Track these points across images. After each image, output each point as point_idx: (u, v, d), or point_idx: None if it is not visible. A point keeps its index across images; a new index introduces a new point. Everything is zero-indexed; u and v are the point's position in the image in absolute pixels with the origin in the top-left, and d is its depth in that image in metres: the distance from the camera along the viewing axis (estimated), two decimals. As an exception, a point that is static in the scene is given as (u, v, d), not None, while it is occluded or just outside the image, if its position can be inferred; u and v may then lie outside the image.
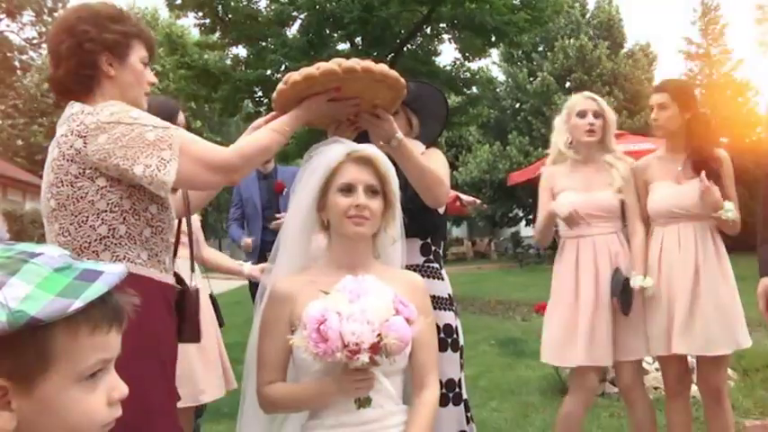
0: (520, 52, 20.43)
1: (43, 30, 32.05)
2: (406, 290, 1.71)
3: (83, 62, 1.63)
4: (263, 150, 1.72)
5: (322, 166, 1.74)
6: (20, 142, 25.73)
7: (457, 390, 2.23)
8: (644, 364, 4.14)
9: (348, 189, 1.70)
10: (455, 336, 2.26)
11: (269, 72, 11.87)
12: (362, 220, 1.69)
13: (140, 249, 1.61)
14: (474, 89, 12.34)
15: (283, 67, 11.63)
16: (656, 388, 4.08)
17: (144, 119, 1.57)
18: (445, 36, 12.21)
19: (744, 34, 47.32)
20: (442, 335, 2.20)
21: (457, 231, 26.82)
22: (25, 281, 0.74)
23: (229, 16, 11.58)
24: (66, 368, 0.77)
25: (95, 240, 1.56)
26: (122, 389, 0.85)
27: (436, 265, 2.28)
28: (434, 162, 2.23)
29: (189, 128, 2.31)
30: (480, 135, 23.04)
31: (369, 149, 1.77)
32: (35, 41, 31.81)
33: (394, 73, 1.78)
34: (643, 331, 2.78)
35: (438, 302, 2.20)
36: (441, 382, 2.14)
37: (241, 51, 12.64)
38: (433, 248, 2.28)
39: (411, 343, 1.64)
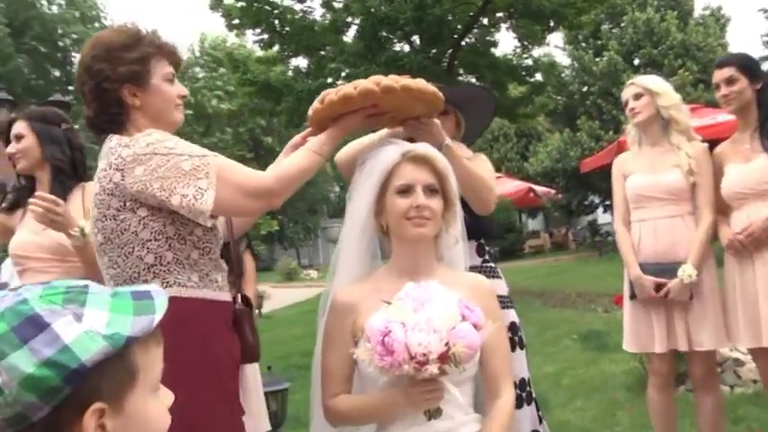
0: (585, 33, 19.74)
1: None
2: (472, 293, 1.66)
3: (107, 102, 1.63)
4: (302, 172, 1.67)
5: (377, 168, 1.70)
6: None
7: (528, 389, 2.24)
8: (740, 356, 3.91)
9: (406, 190, 1.65)
10: (520, 333, 2.28)
11: (330, 80, 12.05)
12: (423, 220, 1.65)
13: (190, 272, 1.60)
14: (537, 77, 12.04)
15: (344, 74, 11.80)
16: (754, 381, 3.82)
17: (179, 148, 1.56)
18: (503, 26, 12.00)
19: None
20: (509, 334, 2.20)
21: (533, 224, 26.24)
22: (97, 308, 0.79)
23: (287, 29, 11.80)
24: (146, 380, 0.83)
25: (144, 270, 1.57)
26: (171, 395, 0.93)
27: (493, 265, 2.31)
28: (481, 168, 2.24)
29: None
30: (549, 123, 22.47)
31: (424, 148, 1.73)
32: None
33: (432, 89, 1.75)
34: (716, 322, 2.68)
35: (501, 301, 2.20)
36: (514, 383, 2.13)
37: (302, 63, 12.90)
38: (488, 248, 2.32)
39: (480, 349, 1.60)
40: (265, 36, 12.24)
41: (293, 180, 1.66)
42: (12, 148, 2.40)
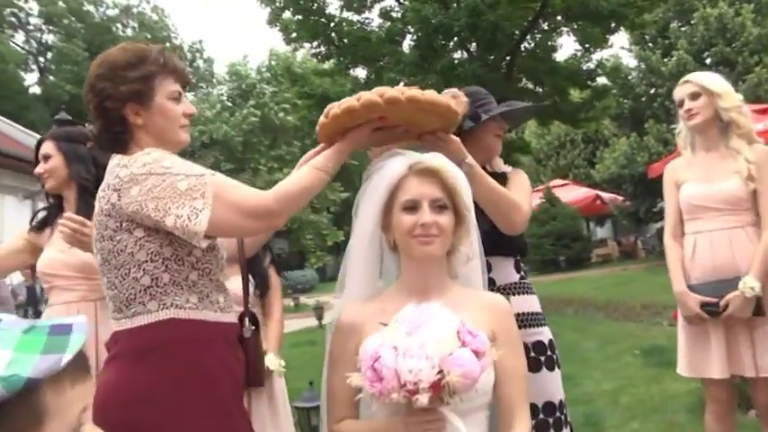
0: (652, 32, 18.90)
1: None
2: (487, 314, 1.55)
3: (110, 120, 1.62)
4: (304, 191, 1.60)
5: (383, 182, 1.61)
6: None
7: (564, 411, 2.10)
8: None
9: (412, 206, 1.56)
10: (556, 352, 2.16)
11: (387, 91, 12.00)
12: (430, 238, 1.54)
13: (189, 294, 1.56)
14: (600, 81, 11.61)
15: (401, 85, 11.72)
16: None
17: (176, 167, 1.52)
18: (563, 29, 11.66)
19: None
20: (549, 352, 2.10)
21: (601, 232, 25.31)
22: (1, 347, 0.74)
23: (344, 41, 11.87)
24: (58, 423, 0.78)
25: (140, 291, 1.53)
26: None
27: (528, 281, 2.22)
28: (516, 185, 2.15)
29: None
30: (615, 128, 21.67)
31: (433, 159, 1.62)
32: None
33: (444, 101, 1.63)
34: None
35: (537, 318, 2.13)
36: (554, 405, 2.04)
37: (361, 73, 12.95)
38: (522, 265, 2.24)
39: (494, 375, 1.50)
40: (323, 49, 12.39)
41: (294, 199, 1.59)
42: (39, 168, 2.45)
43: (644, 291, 10.52)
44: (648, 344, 6.12)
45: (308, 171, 1.62)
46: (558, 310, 10.14)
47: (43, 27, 31.09)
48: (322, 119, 1.65)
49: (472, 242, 1.68)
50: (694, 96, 2.58)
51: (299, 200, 1.61)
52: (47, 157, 2.44)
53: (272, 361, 2.73)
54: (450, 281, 1.66)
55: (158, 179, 1.49)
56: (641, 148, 19.16)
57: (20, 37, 31.10)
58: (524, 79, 11.08)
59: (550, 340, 2.12)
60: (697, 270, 2.54)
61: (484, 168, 2.12)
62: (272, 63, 32.37)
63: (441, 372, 1.27)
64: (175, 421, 1.50)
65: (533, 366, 2.02)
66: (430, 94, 1.62)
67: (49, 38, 31.24)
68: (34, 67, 31.48)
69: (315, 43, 12.36)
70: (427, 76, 10.50)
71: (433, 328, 1.34)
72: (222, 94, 33.31)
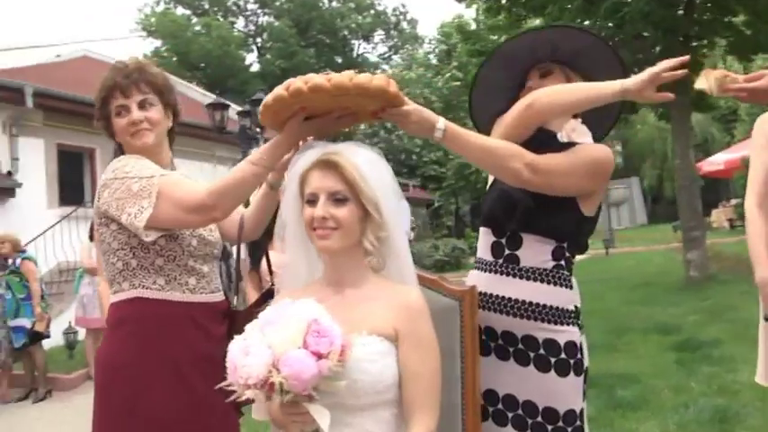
0: None
1: (391, 43, 36.87)
2: (394, 311, 1.55)
3: (110, 136, 1.99)
4: (236, 184, 1.75)
5: (295, 175, 1.65)
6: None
7: (578, 423, 1.85)
8: None
9: (312, 199, 1.59)
10: (579, 356, 1.87)
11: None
12: (327, 231, 1.56)
13: (156, 276, 1.84)
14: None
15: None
16: None
17: (134, 171, 1.80)
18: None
19: None
20: (563, 355, 1.84)
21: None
22: None
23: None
24: None
25: (117, 274, 1.86)
26: None
27: (567, 273, 1.91)
28: (568, 152, 1.83)
29: None
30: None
31: (336, 151, 1.60)
32: (386, 55, 36.80)
33: (358, 81, 1.54)
34: None
35: (561, 315, 1.86)
36: (556, 412, 1.83)
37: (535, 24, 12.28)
38: (567, 254, 1.92)
39: (399, 373, 1.52)
40: (493, 3, 11.97)
41: (227, 193, 1.75)
42: None
43: None
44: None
45: (243, 165, 1.76)
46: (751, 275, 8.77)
47: (258, 11, 34.53)
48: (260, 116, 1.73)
49: (389, 236, 1.62)
50: None
51: (232, 193, 1.76)
52: None
53: None
54: (372, 273, 1.64)
55: (119, 183, 1.81)
56: None
57: (240, 22, 34.97)
58: (711, 13, 9.38)
59: (571, 342, 1.85)
60: None
61: (551, 138, 1.88)
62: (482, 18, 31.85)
63: (271, 371, 1.33)
64: (145, 392, 1.76)
65: (541, 365, 1.83)
66: (340, 78, 1.56)
67: (264, 20, 34.57)
68: (253, 47, 35.19)
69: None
70: (596, 22, 9.58)
71: (283, 326, 1.38)
72: (429, 53, 33.62)
